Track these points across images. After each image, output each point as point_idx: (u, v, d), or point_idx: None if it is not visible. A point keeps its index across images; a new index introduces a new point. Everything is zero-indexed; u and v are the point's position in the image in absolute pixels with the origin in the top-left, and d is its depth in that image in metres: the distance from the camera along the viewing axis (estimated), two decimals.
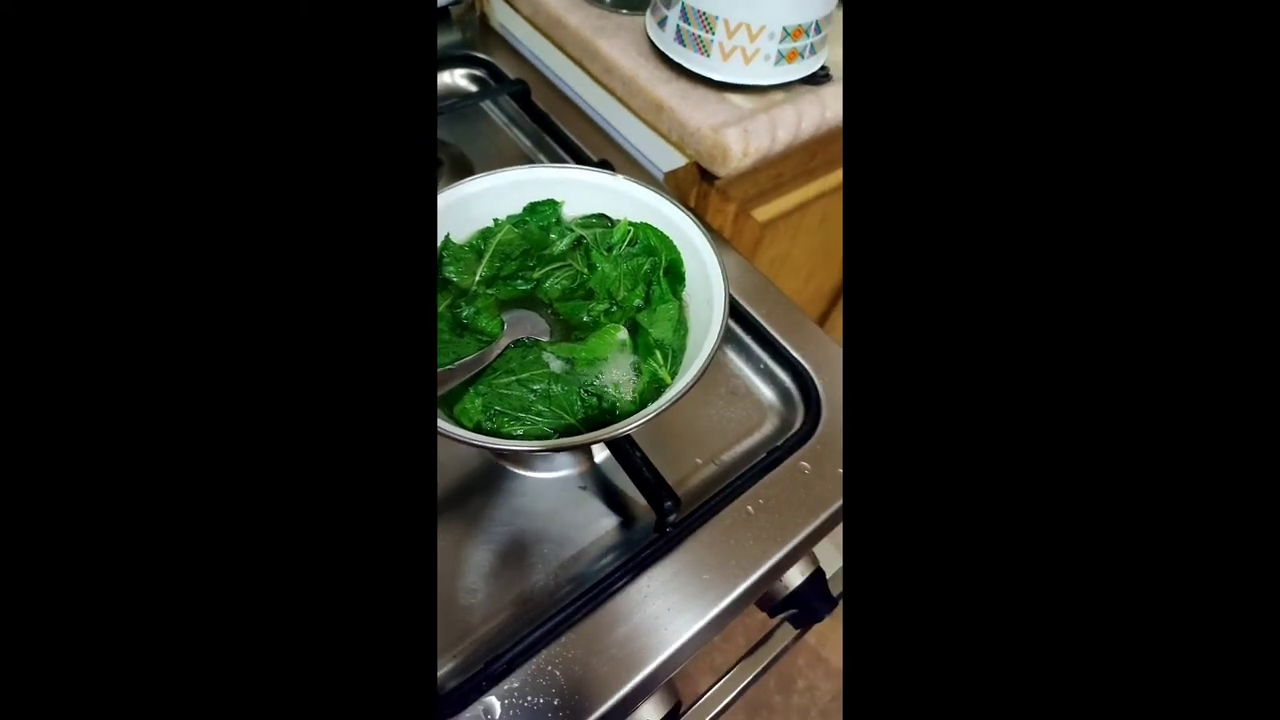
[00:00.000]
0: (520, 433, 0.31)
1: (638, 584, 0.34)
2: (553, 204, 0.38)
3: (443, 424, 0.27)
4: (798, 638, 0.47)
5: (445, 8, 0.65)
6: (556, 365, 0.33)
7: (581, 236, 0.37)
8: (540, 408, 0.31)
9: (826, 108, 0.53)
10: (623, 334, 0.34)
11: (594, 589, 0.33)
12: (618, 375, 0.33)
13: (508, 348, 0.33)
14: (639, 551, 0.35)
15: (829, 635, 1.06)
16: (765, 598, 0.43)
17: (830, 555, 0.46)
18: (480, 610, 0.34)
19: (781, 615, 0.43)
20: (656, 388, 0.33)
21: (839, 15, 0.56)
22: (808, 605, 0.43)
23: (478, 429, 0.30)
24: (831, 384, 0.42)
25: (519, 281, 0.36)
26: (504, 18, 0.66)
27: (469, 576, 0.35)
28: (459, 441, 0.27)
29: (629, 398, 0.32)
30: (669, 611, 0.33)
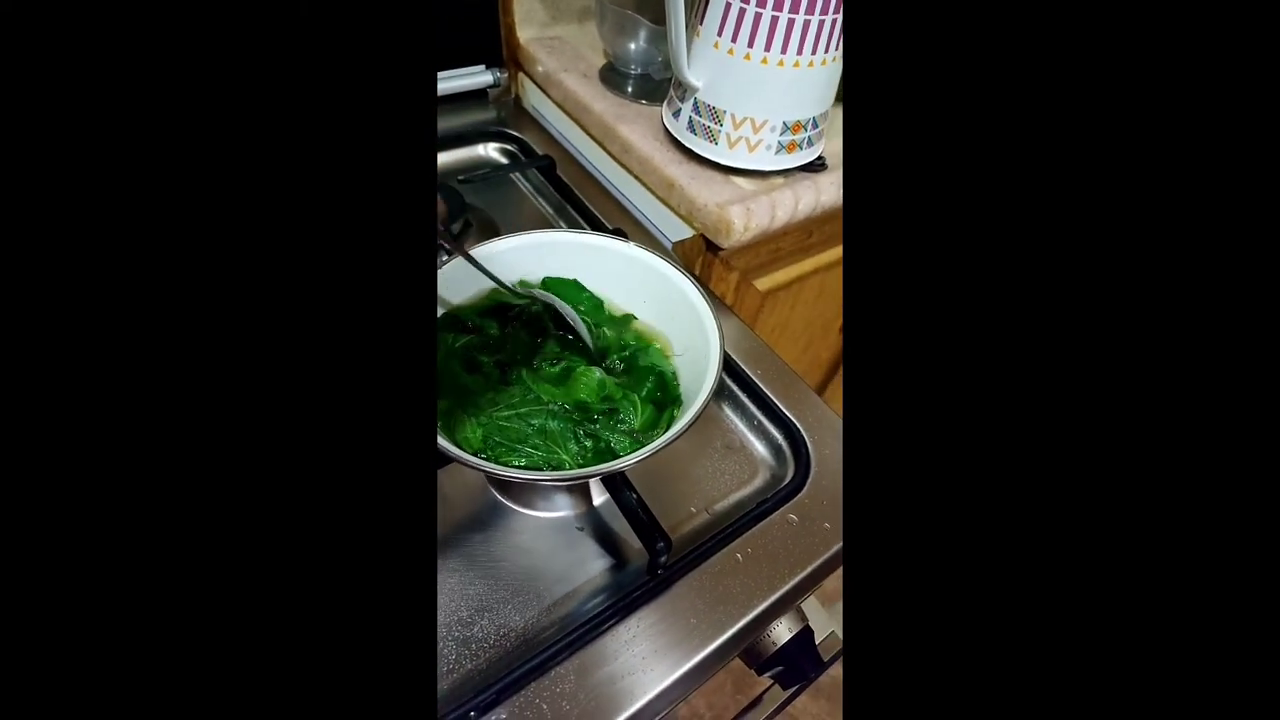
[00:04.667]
0: (518, 464, 0.33)
1: (627, 624, 0.35)
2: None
3: (445, 443, 0.29)
4: (786, 702, 0.47)
5: (483, 89, 0.73)
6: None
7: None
8: (536, 441, 0.33)
9: (822, 192, 0.59)
10: (598, 373, 0.37)
11: (584, 626, 0.34)
12: (617, 421, 0.36)
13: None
14: (630, 592, 0.36)
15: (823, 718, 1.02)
16: (754, 653, 0.43)
17: (821, 618, 0.47)
18: (473, 642, 0.35)
19: (769, 673, 0.44)
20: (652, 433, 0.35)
21: (836, 112, 0.62)
22: (795, 664, 0.43)
23: (477, 457, 0.32)
24: (821, 441, 0.44)
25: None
26: (535, 101, 0.74)
27: (463, 609, 0.36)
28: (459, 461, 0.29)
29: (626, 443, 0.35)
30: (656, 653, 0.34)
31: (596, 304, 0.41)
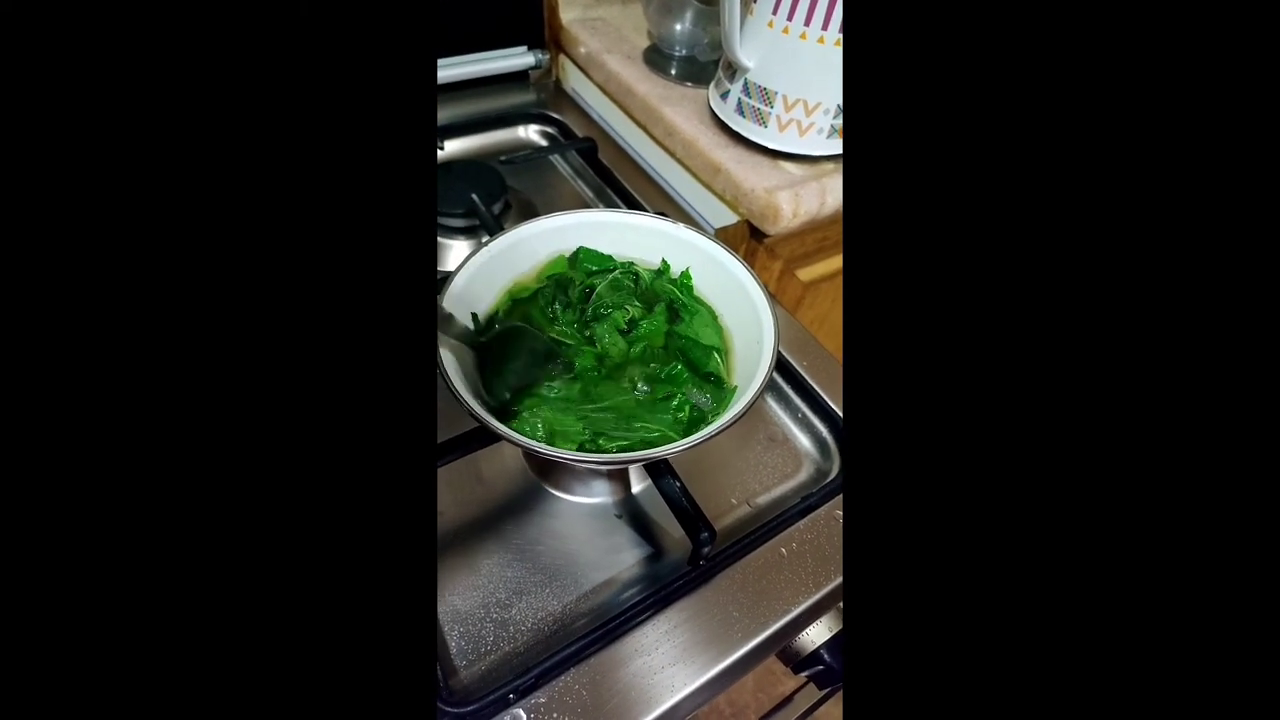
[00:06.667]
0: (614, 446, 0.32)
1: (666, 614, 0.34)
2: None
3: (489, 421, 0.29)
4: (819, 702, 0.46)
5: (524, 71, 0.72)
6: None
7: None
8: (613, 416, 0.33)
9: None
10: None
11: (623, 615, 0.34)
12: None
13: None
14: (669, 582, 0.35)
15: None
16: (791, 651, 0.42)
17: None
18: (510, 624, 0.34)
19: (805, 672, 0.42)
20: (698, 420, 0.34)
21: None
22: (834, 664, 0.42)
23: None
24: None
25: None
26: (576, 83, 0.73)
27: (501, 592, 0.36)
28: (506, 439, 0.29)
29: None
30: (697, 645, 0.33)
31: (630, 269, 0.41)
